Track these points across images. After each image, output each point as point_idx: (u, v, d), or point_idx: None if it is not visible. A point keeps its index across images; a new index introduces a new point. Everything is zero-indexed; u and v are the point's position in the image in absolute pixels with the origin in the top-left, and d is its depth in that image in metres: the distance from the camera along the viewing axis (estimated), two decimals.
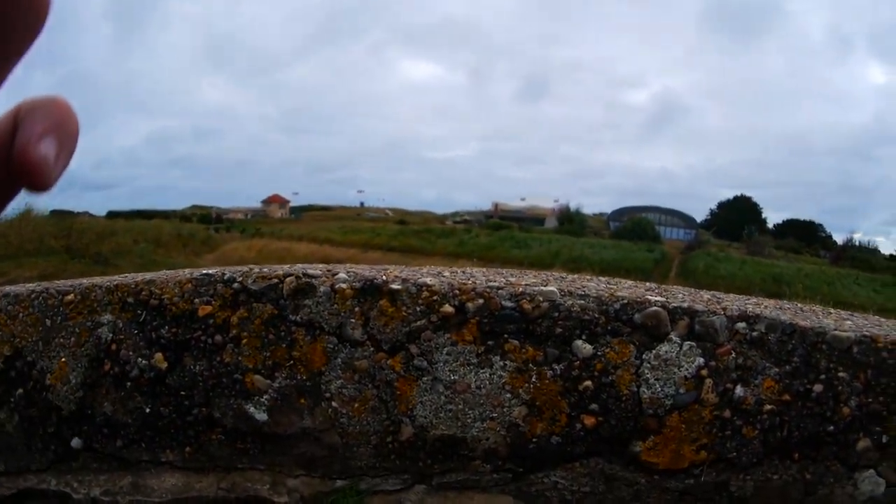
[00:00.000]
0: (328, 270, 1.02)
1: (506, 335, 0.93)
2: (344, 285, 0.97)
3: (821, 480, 0.96)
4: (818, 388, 0.94)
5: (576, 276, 1.12)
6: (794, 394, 0.94)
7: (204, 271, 1.08)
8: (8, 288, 1.19)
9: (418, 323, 0.94)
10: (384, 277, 0.97)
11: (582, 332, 0.93)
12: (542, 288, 0.95)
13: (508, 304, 0.93)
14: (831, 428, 0.95)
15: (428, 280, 0.96)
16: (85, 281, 1.15)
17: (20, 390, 1.15)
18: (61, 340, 1.12)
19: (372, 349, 0.95)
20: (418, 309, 0.94)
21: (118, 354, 1.08)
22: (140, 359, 1.06)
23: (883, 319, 1.08)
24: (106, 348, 1.09)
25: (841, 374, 0.94)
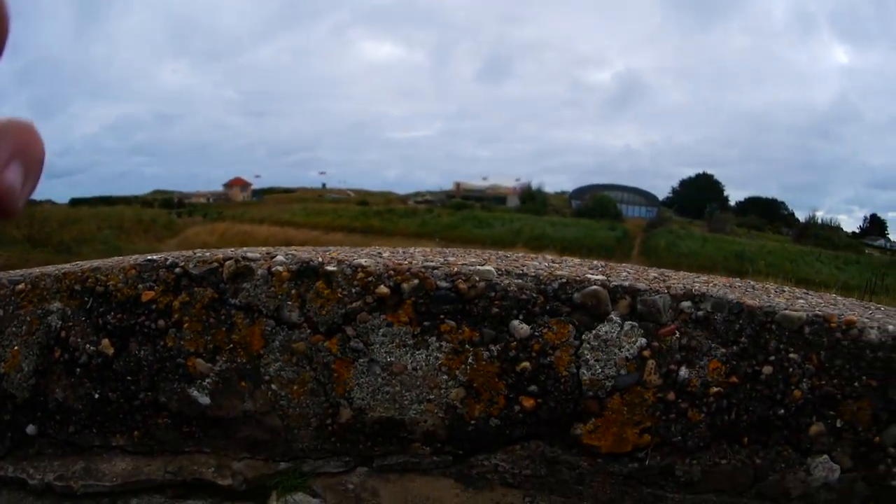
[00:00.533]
0: (267, 253, 1.02)
1: (441, 316, 0.92)
2: (281, 268, 0.96)
3: (771, 466, 0.93)
4: (767, 369, 0.91)
5: (519, 255, 1.09)
6: (742, 376, 0.91)
7: (148, 257, 1.08)
8: None
9: (354, 304, 0.93)
10: (320, 259, 0.96)
11: (519, 313, 0.91)
12: (479, 268, 0.93)
13: (444, 284, 0.91)
14: (782, 412, 0.92)
15: (363, 261, 0.94)
16: (36, 270, 1.16)
17: None
18: (14, 329, 1.13)
19: (309, 331, 0.94)
20: (354, 290, 0.93)
21: (67, 341, 1.09)
22: (88, 345, 1.07)
23: (839, 298, 1.04)
24: (56, 336, 1.09)
25: (792, 356, 0.91)
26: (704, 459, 0.93)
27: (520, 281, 0.92)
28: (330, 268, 0.94)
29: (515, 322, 0.91)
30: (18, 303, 1.13)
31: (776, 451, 0.93)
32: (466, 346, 0.91)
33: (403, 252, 1.08)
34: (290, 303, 0.95)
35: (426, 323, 0.92)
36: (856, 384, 0.91)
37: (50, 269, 1.14)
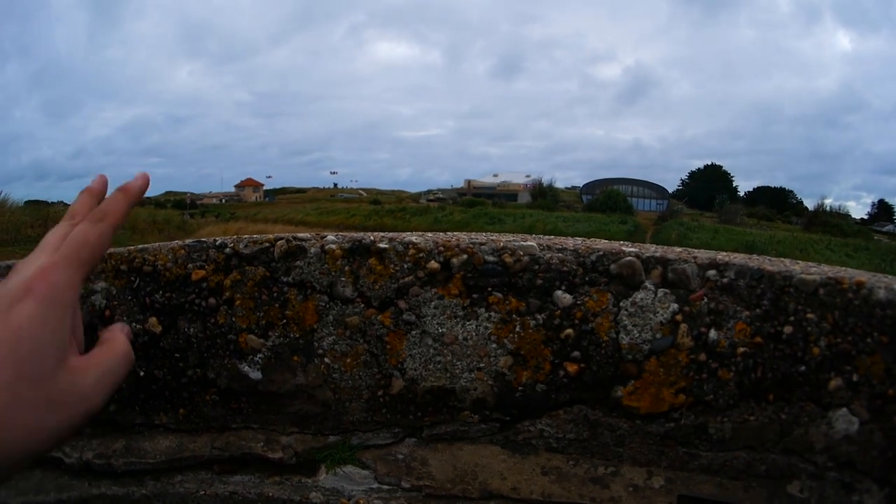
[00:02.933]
0: (317, 234, 1.06)
1: (489, 288, 0.97)
2: (334, 246, 1.01)
3: (796, 420, 1.01)
4: (788, 329, 0.99)
5: (551, 236, 1.16)
6: (765, 336, 0.99)
7: (195, 239, 1.11)
8: (1, 262, 1.21)
9: (406, 279, 0.98)
10: (372, 237, 1.01)
11: (561, 283, 0.97)
12: (522, 243, 0.99)
13: (491, 258, 0.97)
14: (803, 368, 1.00)
15: (414, 238, 0.99)
16: None
17: None
18: None
19: (362, 306, 0.99)
20: (405, 266, 0.98)
21: (112, 320, 1.10)
22: (134, 323, 1.09)
23: (849, 268, 1.14)
24: (100, 315, 1.11)
25: (809, 316, 0.99)
26: (734, 417, 1.00)
27: (560, 254, 0.99)
28: (382, 245, 0.99)
29: (558, 292, 0.97)
30: None
31: (799, 407, 1.00)
32: (514, 315, 0.96)
33: (445, 233, 1.13)
34: (343, 279, 0.99)
35: (475, 295, 0.97)
36: (868, 340, 0.99)
37: None
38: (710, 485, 1.04)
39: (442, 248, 0.98)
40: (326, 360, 1.00)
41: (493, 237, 1.06)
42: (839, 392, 1.02)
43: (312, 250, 1.01)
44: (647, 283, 0.98)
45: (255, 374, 1.03)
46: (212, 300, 1.05)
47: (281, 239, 1.04)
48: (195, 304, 1.06)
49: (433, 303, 0.98)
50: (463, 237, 1.04)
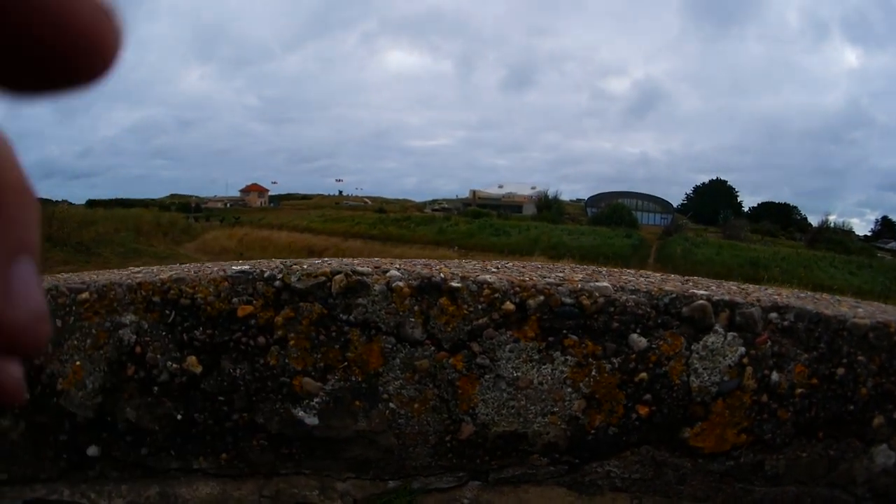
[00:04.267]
0: (377, 268, 0.99)
1: (565, 331, 0.94)
2: (401, 283, 0.94)
3: (842, 456, 1.05)
4: (840, 371, 1.02)
5: (614, 269, 1.14)
6: (821, 377, 1.02)
7: (238, 268, 1.01)
8: None
9: (480, 321, 0.93)
10: (442, 275, 0.95)
11: (636, 326, 0.96)
12: (597, 284, 0.96)
13: (568, 300, 0.94)
14: (851, 408, 1.04)
15: (488, 277, 0.95)
16: (100, 278, 1.05)
17: (26, 396, 1.04)
18: (75, 343, 1.02)
19: (433, 348, 0.93)
20: (479, 307, 0.93)
21: (144, 357, 1.00)
22: (170, 362, 0.99)
23: (886, 306, 1.19)
24: (129, 351, 1.00)
25: (860, 358, 1.03)
26: (788, 454, 1.03)
27: (634, 296, 0.97)
28: (454, 284, 0.93)
29: (634, 335, 0.95)
30: (81, 313, 1.02)
31: (846, 443, 1.05)
32: (590, 359, 0.94)
33: (506, 266, 1.09)
34: (412, 319, 0.94)
35: (551, 338, 0.94)
36: None
37: (120, 277, 1.03)
38: None
39: (518, 289, 0.94)
40: (392, 404, 0.95)
41: (561, 273, 1.03)
42: (881, 429, 1.07)
43: (376, 287, 0.95)
44: (717, 327, 0.98)
45: (311, 420, 0.96)
46: (261, 339, 0.97)
47: (339, 273, 0.97)
48: (241, 342, 0.97)
49: (508, 346, 0.94)
50: (534, 275, 1.00)
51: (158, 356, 0.99)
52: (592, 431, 0.96)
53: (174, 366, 0.98)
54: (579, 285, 0.95)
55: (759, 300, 1.03)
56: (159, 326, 0.99)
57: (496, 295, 0.94)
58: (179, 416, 0.99)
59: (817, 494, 1.07)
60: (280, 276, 0.98)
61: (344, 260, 1.07)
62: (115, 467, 1.04)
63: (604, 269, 1.17)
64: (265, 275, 0.99)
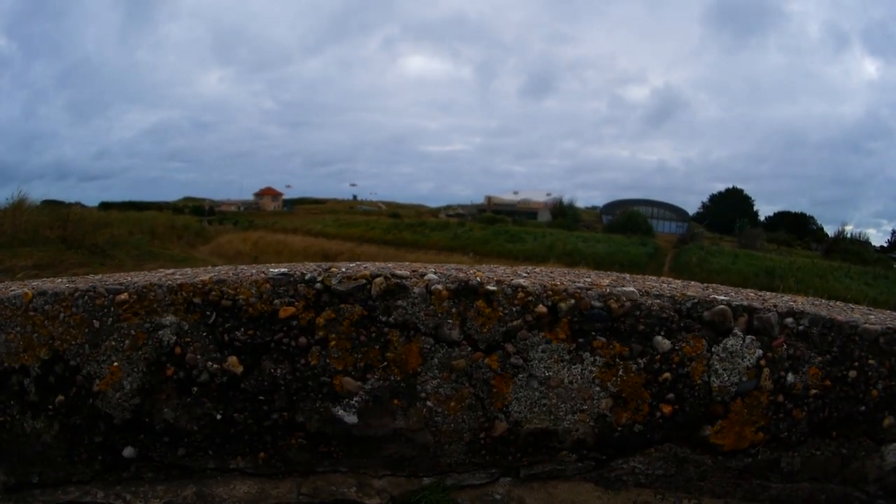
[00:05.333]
0: (414, 271, 1.03)
1: (594, 333, 0.99)
2: (439, 286, 0.98)
3: (854, 454, 1.11)
4: (853, 374, 1.08)
5: (637, 276, 1.19)
6: (834, 379, 1.07)
7: (279, 270, 1.05)
8: (46, 286, 1.08)
9: (514, 322, 0.98)
10: (479, 279, 0.99)
11: (661, 329, 1.01)
12: (624, 288, 1.01)
13: (597, 303, 0.99)
14: (863, 408, 1.09)
15: (522, 281, 0.99)
16: (139, 279, 1.07)
17: (60, 397, 1.05)
18: (113, 343, 1.04)
19: (469, 349, 0.97)
20: (514, 309, 0.98)
21: (183, 358, 1.02)
22: (210, 363, 1.01)
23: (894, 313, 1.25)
24: (168, 352, 1.03)
25: (871, 362, 1.09)
26: (803, 452, 1.08)
27: (659, 301, 1.02)
28: (490, 287, 0.98)
29: (658, 337, 1.00)
30: (119, 314, 1.04)
31: (858, 442, 1.10)
32: (617, 359, 0.99)
33: (536, 271, 1.14)
34: (450, 321, 0.98)
35: (580, 339, 0.99)
36: None
37: (159, 279, 1.06)
38: None
39: (550, 293, 0.99)
40: (429, 403, 0.98)
41: (590, 278, 1.08)
42: (892, 429, 1.13)
43: (416, 290, 0.99)
44: (736, 330, 1.04)
45: (351, 418, 0.99)
46: (302, 339, 1.00)
47: (378, 276, 1.00)
48: (283, 343, 1.00)
49: (541, 346, 0.98)
50: (565, 279, 1.04)
51: (199, 356, 1.02)
52: (619, 429, 1.01)
53: (214, 366, 1.01)
54: (607, 290, 1.00)
55: (775, 306, 1.09)
56: (200, 327, 1.02)
57: (530, 298, 0.98)
58: (219, 416, 1.02)
59: (831, 491, 1.12)
60: (321, 278, 1.02)
61: (379, 263, 1.11)
62: (151, 468, 1.06)
63: (627, 276, 1.22)
64: (306, 277, 1.02)
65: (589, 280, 1.05)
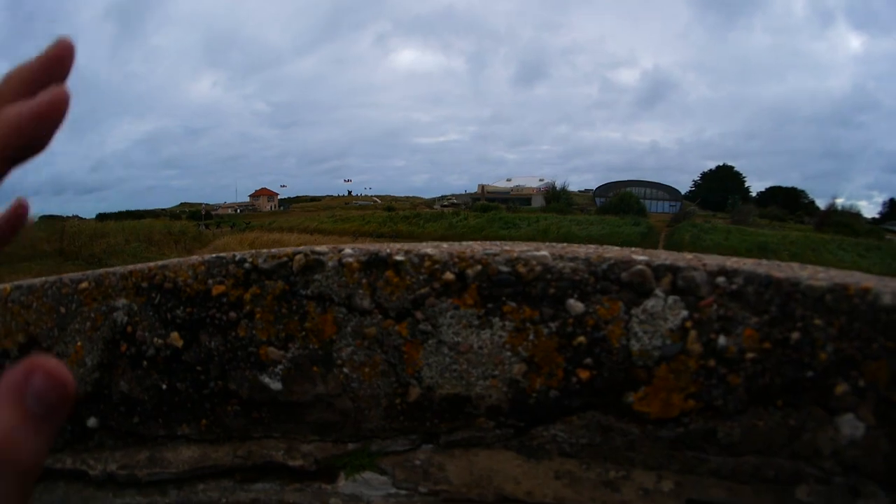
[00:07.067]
0: (334, 248, 1.09)
1: (503, 298, 1.00)
2: (351, 259, 1.03)
3: (803, 425, 1.03)
4: (795, 335, 1.01)
5: (564, 244, 1.19)
6: (774, 342, 1.01)
7: (215, 255, 1.14)
8: (22, 281, 1.24)
9: (422, 290, 1.01)
10: (388, 250, 1.03)
11: (574, 292, 1.00)
12: (535, 253, 1.02)
13: (505, 268, 1.00)
14: (810, 374, 1.02)
15: (429, 251, 1.02)
16: (99, 270, 1.20)
17: None
18: (76, 326, 1.17)
19: (380, 317, 1.01)
20: (421, 277, 1.01)
21: (134, 336, 1.13)
22: (156, 338, 1.12)
23: (857, 272, 1.16)
24: (122, 330, 1.14)
25: (816, 322, 1.02)
26: (743, 422, 1.03)
27: (572, 264, 1.01)
28: (398, 257, 1.02)
29: (571, 300, 1.00)
30: (82, 300, 1.17)
31: (807, 412, 1.03)
32: (527, 324, 0.99)
33: (459, 244, 1.16)
34: (361, 291, 1.02)
35: (489, 305, 1.00)
36: (874, 345, 1.02)
37: (114, 268, 1.19)
38: (720, 489, 1.06)
39: (457, 260, 1.01)
40: (345, 369, 1.03)
41: (507, 247, 1.09)
42: (846, 397, 1.04)
43: (330, 264, 1.04)
44: (658, 291, 1.01)
45: (276, 385, 1.05)
46: (232, 314, 1.08)
47: (299, 253, 1.07)
48: (216, 318, 1.09)
49: (449, 313, 1.00)
50: (477, 248, 1.06)
51: (146, 334, 1.12)
52: (534, 394, 1.00)
53: (159, 341, 1.11)
54: (516, 254, 1.01)
55: (705, 265, 1.04)
56: (147, 308, 1.13)
57: (437, 266, 1.01)
58: (164, 387, 1.11)
59: (780, 466, 1.05)
60: (250, 258, 1.10)
61: (308, 245, 1.18)
62: (111, 436, 1.17)
63: (559, 245, 1.21)
64: (236, 258, 1.10)
65: (500, 248, 1.06)
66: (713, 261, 1.09)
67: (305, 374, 1.03)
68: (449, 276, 1.00)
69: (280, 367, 1.04)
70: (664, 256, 1.10)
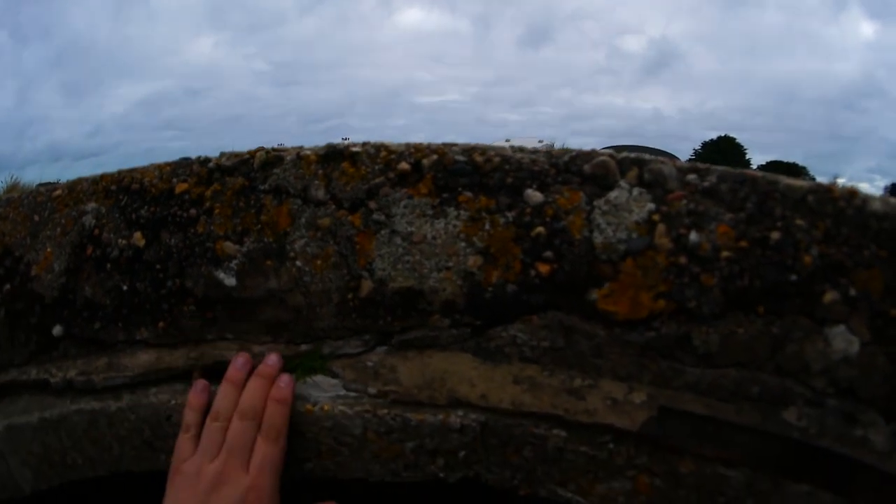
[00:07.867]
0: (295, 146, 1.08)
1: (459, 188, 0.97)
2: (309, 152, 1.03)
3: (788, 335, 0.94)
4: (775, 235, 0.94)
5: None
6: (751, 240, 0.94)
7: (183, 157, 1.15)
8: (4, 196, 1.28)
9: (377, 180, 0.99)
10: (346, 144, 1.02)
11: (533, 182, 0.96)
12: (495, 145, 0.99)
13: (461, 158, 0.97)
14: (794, 278, 0.94)
15: (387, 143, 1.01)
16: (75, 178, 1.23)
17: (8, 286, 1.21)
18: (48, 233, 1.19)
19: (334, 207, 0.99)
20: (377, 168, 0.99)
21: (100, 238, 1.14)
22: (120, 239, 1.12)
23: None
24: (89, 234, 1.15)
25: (798, 222, 0.94)
26: (721, 328, 0.94)
27: (533, 156, 0.98)
28: (355, 149, 1.00)
29: (529, 190, 0.96)
30: (55, 207, 1.20)
31: (792, 320, 0.94)
32: (483, 213, 0.95)
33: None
34: (316, 182, 1.01)
35: (445, 195, 0.97)
36: (865, 253, 0.93)
37: (88, 175, 1.21)
38: (698, 405, 0.97)
39: (413, 150, 0.99)
40: (298, 262, 1.01)
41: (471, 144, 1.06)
42: (835, 306, 0.94)
43: (289, 158, 1.04)
44: (622, 183, 0.96)
45: (230, 281, 1.04)
46: (192, 211, 1.08)
47: (261, 150, 1.07)
48: (177, 215, 1.09)
49: (403, 202, 0.97)
50: (438, 142, 1.04)
51: (111, 235, 1.13)
52: (490, 289, 0.95)
53: (123, 242, 1.12)
54: (473, 145, 0.98)
55: (675, 163, 0.99)
56: (114, 210, 1.14)
57: (392, 156, 0.99)
58: (125, 288, 1.11)
59: (764, 383, 0.95)
60: (214, 159, 1.11)
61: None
62: (75, 344, 1.16)
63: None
64: (201, 158, 1.11)
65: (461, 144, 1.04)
66: (686, 163, 1.03)
67: (259, 268, 1.01)
68: (404, 165, 0.98)
69: (235, 262, 1.02)
70: (632, 154, 1.05)
